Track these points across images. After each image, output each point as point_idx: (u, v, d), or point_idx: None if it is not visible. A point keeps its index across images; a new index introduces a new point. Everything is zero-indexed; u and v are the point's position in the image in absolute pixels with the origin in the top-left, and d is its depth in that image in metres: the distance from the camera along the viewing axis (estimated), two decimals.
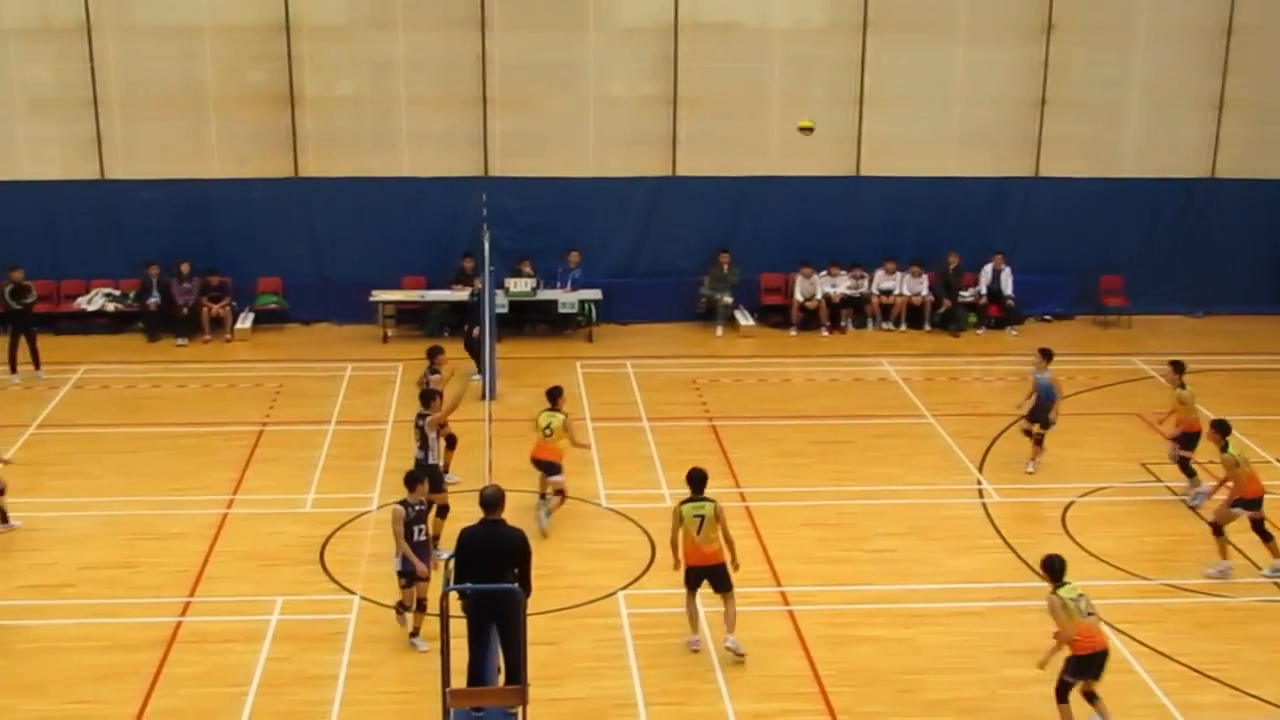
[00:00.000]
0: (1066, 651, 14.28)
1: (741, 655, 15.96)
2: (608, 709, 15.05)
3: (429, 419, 18.49)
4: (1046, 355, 21.63)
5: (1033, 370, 21.78)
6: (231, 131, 29.37)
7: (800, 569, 18.32)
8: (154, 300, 28.76)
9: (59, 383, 25.70)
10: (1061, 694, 14.37)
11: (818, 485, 21.24)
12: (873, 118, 29.87)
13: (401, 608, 16.26)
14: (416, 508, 15.92)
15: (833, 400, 25.40)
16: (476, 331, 25.52)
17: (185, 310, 28.70)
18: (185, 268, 28.85)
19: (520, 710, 13.12)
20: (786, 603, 17.47)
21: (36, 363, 25.98)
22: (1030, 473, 21.51)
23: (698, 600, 16.15)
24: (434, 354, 20.95)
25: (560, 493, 19.62)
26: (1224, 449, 18.41)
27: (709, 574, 16.02)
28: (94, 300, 29.19)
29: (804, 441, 23.14)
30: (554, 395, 20.10)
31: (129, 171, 29.32)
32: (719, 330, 29.38)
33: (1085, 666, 14.32)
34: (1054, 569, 14.47)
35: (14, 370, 25.72)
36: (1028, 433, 21.75)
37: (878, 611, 17.29)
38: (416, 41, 29.26)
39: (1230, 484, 18.37)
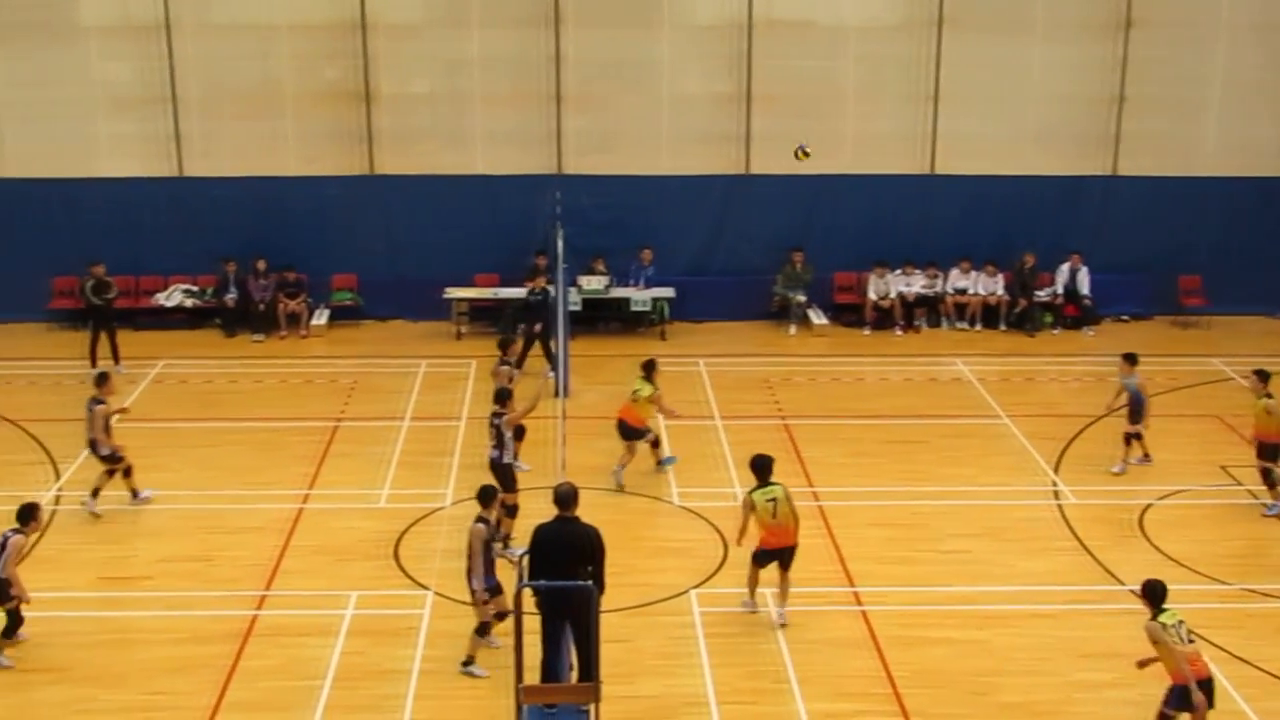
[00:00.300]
0: (1167, 680, 13.71)
1: (784, 624, 16.64)
2: (679, 707, 15.05)
3: (505, 418, 18.55)
4: (1131, 360, 21.41)
5: (1119, 375, 21.61)
6: (307, 129, 29.58)
7: (873, 569, 18.24)
8: (231, 296, 29.02)
9: (138, 377, 25.99)
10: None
11: (891, 485, 21.13)
12: (947, 116, 29.65)
13: (486, 628, 15.84)
14: (492, 523, 15.95)
15: (906, 400, 25.27)
16: (538, 328, 25.73)
17: (262, 306, 28.95)
18: (262, 264, 29.09)
19: (592, 707, 13.12)
20: (859, 603, 17.40)
21: (116, 358, 26.26)
22: (1117, 473, 21.29)
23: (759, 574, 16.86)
24: (505, 344, 21.11)
25: (654, 442, 21.17)
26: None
27: (781, 555, 16.63)
28: (172, 296, 29.49)
29: (877, 441, 23.03)
30: (649, 367, 21.45)
31: (206, 169, 29.59)
32: (792, 329, 29.29)
33: (1188, 698, 13.56)
34: (1155, 595, 13.81)
35: (94, 364, 25.97)
36: (1134, 436, 21.44)
37: (951, 613, 17.19)
38: (490, 39, 29.34)
39: None
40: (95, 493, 20.05)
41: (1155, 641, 13.64)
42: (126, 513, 20.05)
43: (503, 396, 18.98)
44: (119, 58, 29.66)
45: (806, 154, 24.39)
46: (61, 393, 25.20)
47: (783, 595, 16.75)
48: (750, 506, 16.66)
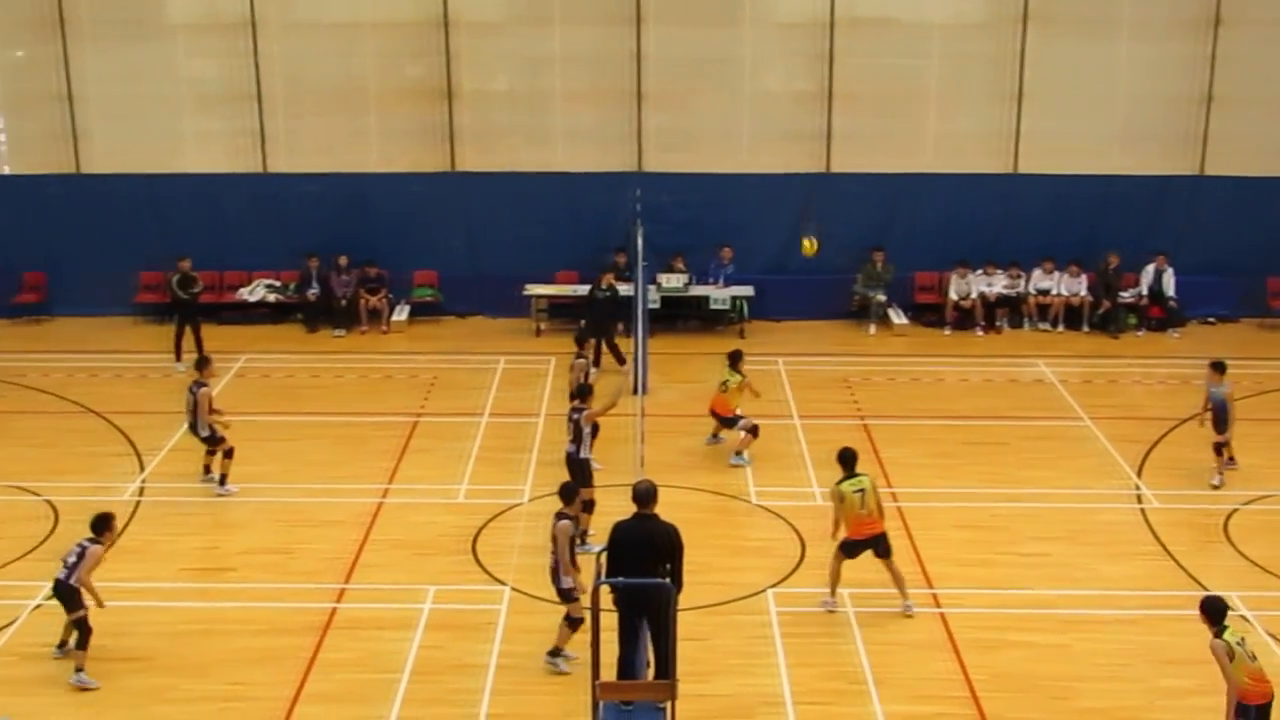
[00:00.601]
0: (1233, 699, 13.22)
1: (911, 614, 16.86)
2: (756, 706, 15.01)
3: (585, 414, 18.56)
4: (1219, 368, 21.03)
5: (1207, 383, 21.29)
6: (390, 126, 29.80)
7: (952, 571, 18.12)
8: (313, 292, 29.26)
9: (221, 371, 26.17)
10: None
11: (970, 486, 20.97)
12: (1031, 114, 29.39)
13: (577, 623, 15.59)
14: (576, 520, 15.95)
15: (986, 401, 25.07)
16: (620, 327, 26.04)
17: (343, 302, 29.16)
18: (343, 260, 29.31)
19: (669, 705, 13.12)
20: (937, 604, 17.29)
21: (199, 352, 26.50)
22: (1216, 485, 20.84)
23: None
24: (581, 339, 21.18)
25: (752, 430, 21.69)
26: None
27: (872, 544, 16.83)
28: (255, 291, 29.79)
29: (957, 442, 22.87)
30: (735, 358, 22.14)
31: (290, 165, 29.89)
32: (872, 328, 29.15)
33: (1254, 717, 13.09)
34: (1215, 612, 13.31)
35: (179, 358, 26.30)
36: (1222, 445, 20.98)
37: (1030, 616, 17.04)
38: (572, 37, 29.41)
39: None
40: (207, 470, 20.81)
41: (1219, 659, 13.15)
42: (210, 505, 20.29)
43: (583, 392, 18.97)
44: (206, 55, 30.04)
45: (813, 243, 24.08)
46: (147, 386, 25.55)
47: (900, 583, 16.93)
48: (839, 498, 16.80)
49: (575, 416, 18.61)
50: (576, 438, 18.55)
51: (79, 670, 15.42)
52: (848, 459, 17.12)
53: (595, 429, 20.25)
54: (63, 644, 15.93)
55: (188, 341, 26.38)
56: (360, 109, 29.74)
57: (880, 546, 16.87)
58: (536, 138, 30.03)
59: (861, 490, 16.76)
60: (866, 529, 16.79)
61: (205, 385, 20.62)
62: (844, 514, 16.83)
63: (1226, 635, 13.20)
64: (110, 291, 29.74)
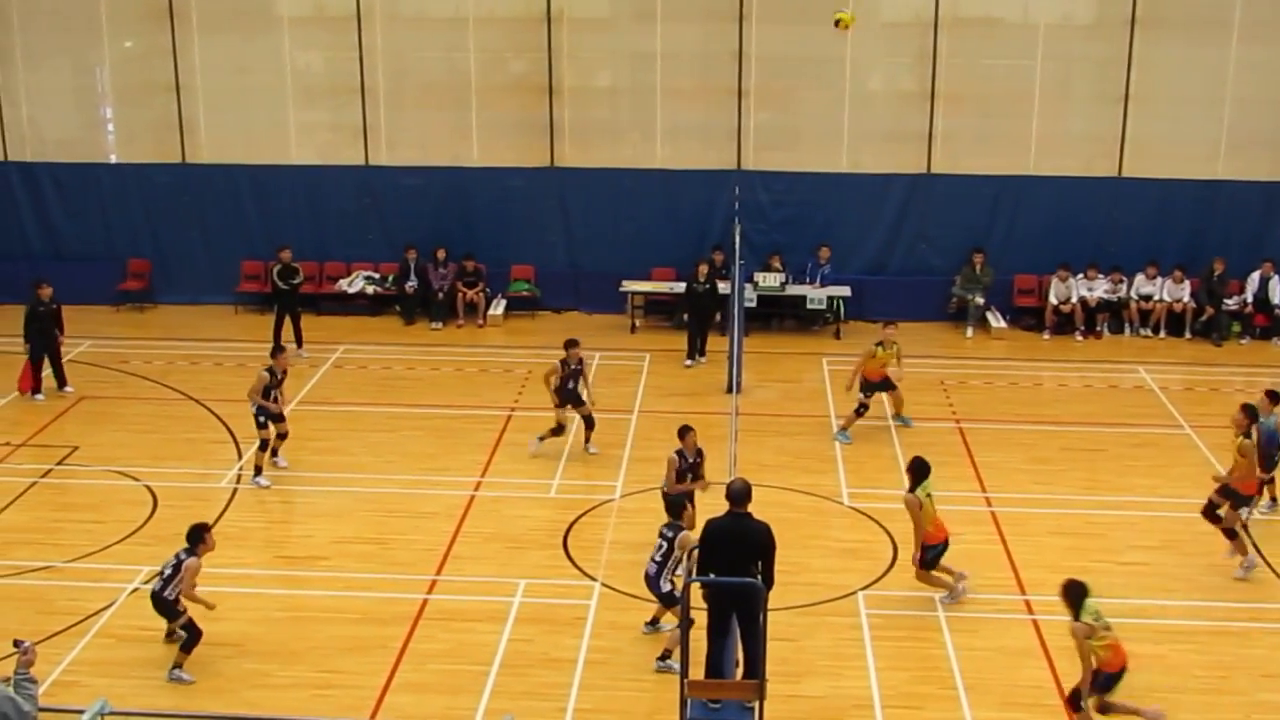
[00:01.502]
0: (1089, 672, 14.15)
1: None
2: (846, 709, 14.93)
3: (680, 536, 16.00)
4: (1274, 398, 19.05)
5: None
6: (491, 121, 29.96)
7: (1047, 578, 17.82)
8: (411, 284, 29.48)
9: (319, 361, 26.52)
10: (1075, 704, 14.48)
11: (1068, 493, 20.73)
12: (1138, 117, 28.97)
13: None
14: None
15: (1085, 407, 24.77)
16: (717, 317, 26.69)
17: (440, 295, 29.35)
18: (441, 253, 29.50)
19: (757, 705, 13.07)
20: (1031, 611, 17.11)
21: (299, 342, 26.82)
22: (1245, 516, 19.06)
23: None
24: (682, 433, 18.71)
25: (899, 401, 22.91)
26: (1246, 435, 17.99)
27: (945, 549, 17.16)
28: (354, 283, 30.06)
29: (1054, 448, 22.62)
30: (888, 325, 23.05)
31: (391, 158, 30.16)
32: (969, 331, 28.89)
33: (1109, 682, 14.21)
34: (1076, 596, 14.29)
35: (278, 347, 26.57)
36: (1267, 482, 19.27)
37: (1127, 626, 16.65)
38: (675, 34, 29.40)
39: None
40: (272, 454, 21.01)
41: (1082, 640, 14.09)
42: (306, 493, 20.51)
43: (674, 509, 16.56)
44: (311, 47, 30.41)
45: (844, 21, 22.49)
46: (246, 374, 25.70)
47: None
48: (918, 505, 16.85)
49: (669, 535, 16.12)
50: (663, 560, 16.04)
51: (177, 667, 15.47)
52: (919, 469, 17.08)
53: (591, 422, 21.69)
54: (171, 633, 15.98)
55: (286, 331, 26.66)
56: (462, 103, 29.91)
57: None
58: (637, 134, 30.05)
59: (930, 495, 16.99)
60: (943, 533, 17.09)
61: (268, 371, 20.89)
62: (927, 520, 16.88)
63: (1084, 616, 14.10)
64: (213, 280, 30.21)
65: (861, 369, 22.79)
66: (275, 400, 20.84)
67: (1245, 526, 18.24)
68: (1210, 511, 18.36)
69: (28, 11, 29.96)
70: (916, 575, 17.13)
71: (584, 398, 21.84)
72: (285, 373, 21.24)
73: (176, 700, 14.92)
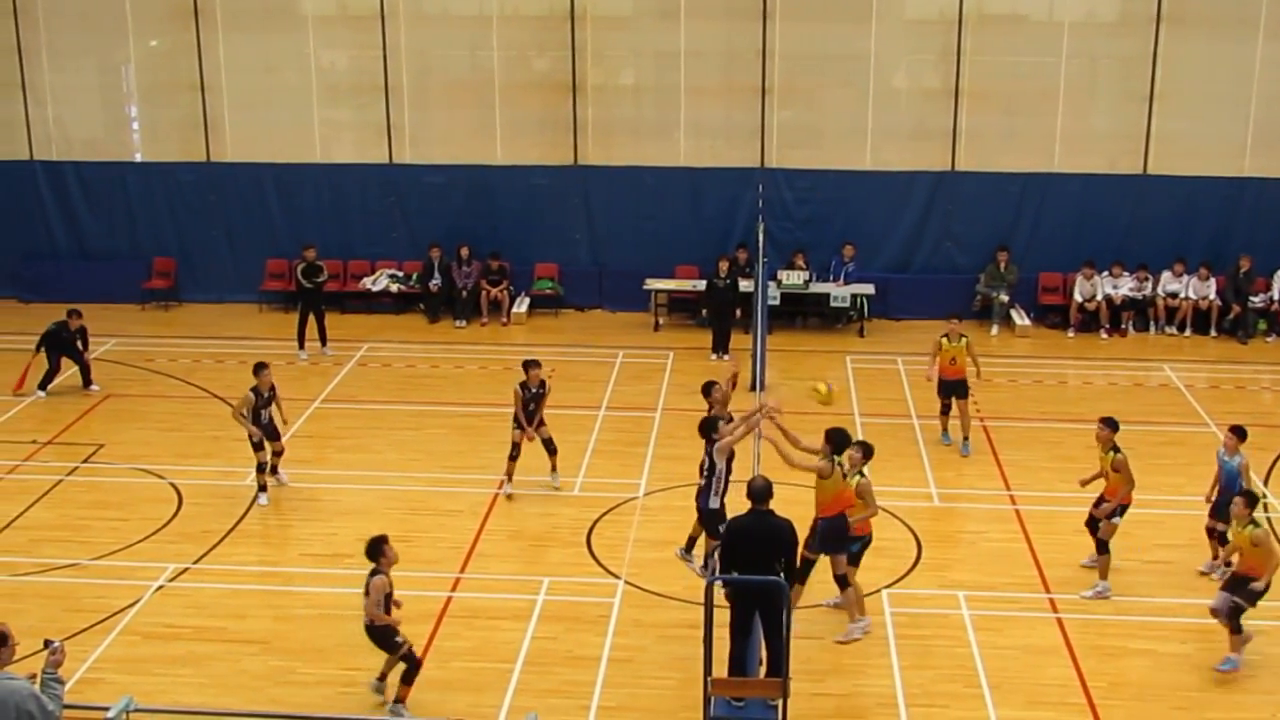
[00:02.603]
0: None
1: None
2: (870, 707, 14.90)
3: (717, 445, 16.83)
4: (1242, 435, 18.32)
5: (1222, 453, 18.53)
6: (515, 119, 29.99)
7: (1072, 576, 17.85)
8: (435, 282, 29.51)
9: (343, 359, 26.58)
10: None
11: (1093, 492, 20.57)
12: (1163, 114, 28.87)
13: None
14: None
15: (1110, 405, 24.54)
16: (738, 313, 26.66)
17: (465, 293, 29.39)
18: (465, 251, 29.53)
19: (781, 703, 13.07)
20: (1055, 610, 17.05)
21: (323, 340, 26.86)
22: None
23: None
24: (706, 389, 18.94)
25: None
26: (1114, 449, 17.51)
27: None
28: (378, 281, 30.11)
29: (1079, 446, 22.45)
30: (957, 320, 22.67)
31: (415, 156, 30.20)
32: (994, 329, 28.82)
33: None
34: (839, 444, 16.08)
35: (301, 347, 26.66)
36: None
37: (1153, 624, 16.74)
38: (698, 31, 29.39)
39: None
40: (271, 470, 20.49)
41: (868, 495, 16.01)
42: (330, 491, 20.54)
43: (709, 426, 16.95)
44: (336, 46, 30.49)
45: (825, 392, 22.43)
46: (272, 373, 25.87)
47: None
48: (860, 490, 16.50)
49: (709, 451, 16.76)
50: (709, 479, 16.77)
51: (399, 701, 14.70)
52: (837, 441, 16.53)
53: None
54: (382, 676, 15.09)
55: (310, 330, 26.70)
56: (486, 101, 29.96)
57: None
58: (660, 132, 30.06)
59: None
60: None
61: (257, 391, 20.07)
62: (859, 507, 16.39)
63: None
64: (238, 279, 30.33)
65: (935, 364, 22.34)
66: (270, 420, 20.21)
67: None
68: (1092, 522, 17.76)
69: (53, 11, 30.09)
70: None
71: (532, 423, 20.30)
72: (274, 389, 20.41)
73: (203, 697, 14.97)
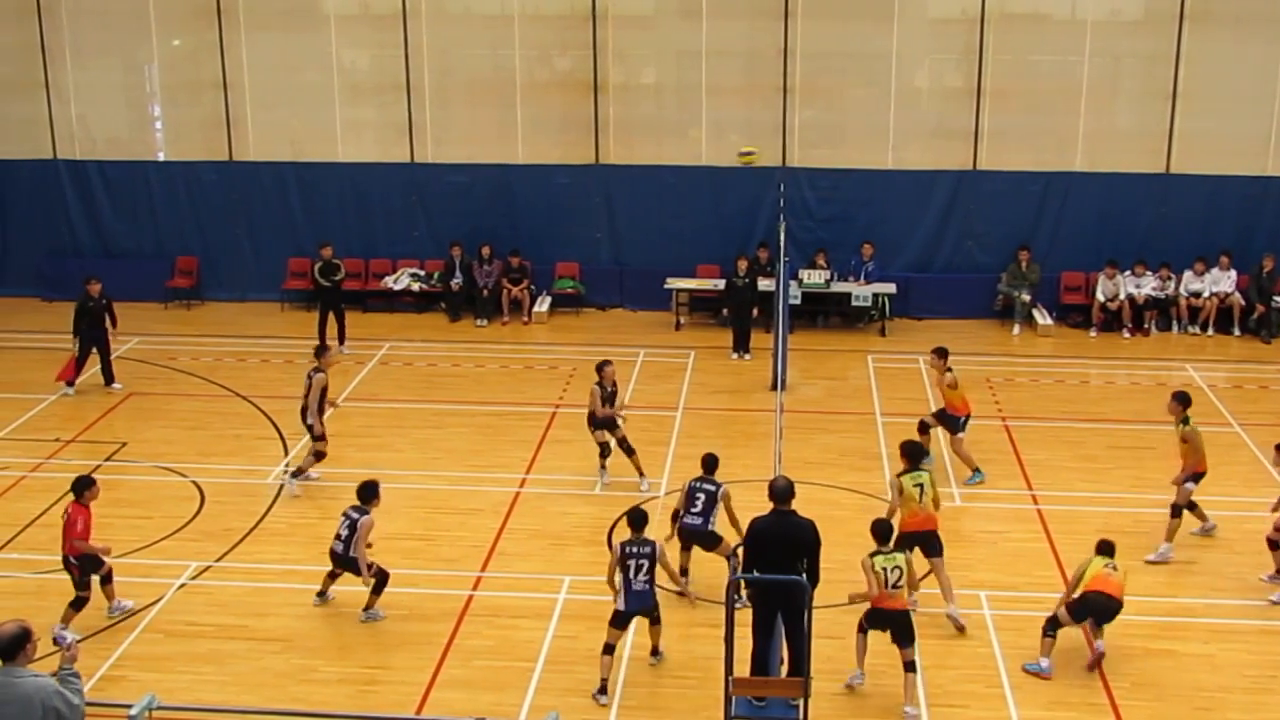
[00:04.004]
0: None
1: (962, 626, 16.37)
2: (892, 707, 14.87)
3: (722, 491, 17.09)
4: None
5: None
6: (536, 118, 30.02)
7: None
8: (456, 281, 29.55)
9: (365, 358, 26.63)
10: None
11: (1115, 491, 20.60)
12: (1186, 113, 28.77)
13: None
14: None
15: (1133, 404, 24.61)
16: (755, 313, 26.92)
17: (486, 292, 29.41)
18: (487, 250, 29.56)
19: (802, 702, 13.06)
20: None
21: (341, 338, 26.91)
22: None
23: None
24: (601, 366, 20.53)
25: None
26: (1184, 421, 18.41)
27: (924, 539, 16.62)
28: (400, 280, 30.16)
29: (1102, 446, 22.49)
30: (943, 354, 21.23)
31: (437, 155, 30.25)
32: (1016, 328, 28.76)
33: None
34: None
35: (322, 343, 26.72)
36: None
37: (1175, 625, 16.69)
38: (720, 30, 29.38)
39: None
40: (297, 473, 20.57)
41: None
42: (351, 490, 20.45)
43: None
44: (358, 45, 30.56)
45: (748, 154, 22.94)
46: (293, 371, 25.96)
47: (947, 588, 16.53)
48: (899, 490, 16.71)
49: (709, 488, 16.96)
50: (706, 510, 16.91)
51: (369, 608, 16.59)
52: (911, 452, 17.09)
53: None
54: (323, 593, 16.95)
55: (331, 328, 26.76)
56: (508, 101, 30.00)
57: (932, 545, 16.63)
58: (682, 131, 30.07)
59: (920, 485, 16.66)
60: (919, 523, 16.59)
61: (322, 372, 20.46)
62: (902, 507, 16.69)
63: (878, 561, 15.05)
64: (260, 277, 30.44)
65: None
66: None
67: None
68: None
69: (77, 10, 30.23)
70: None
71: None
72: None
73: (225, 695, 15.01)
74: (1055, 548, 18.61)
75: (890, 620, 14.97)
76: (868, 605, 15.23)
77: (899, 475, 16.88)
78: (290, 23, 30.12)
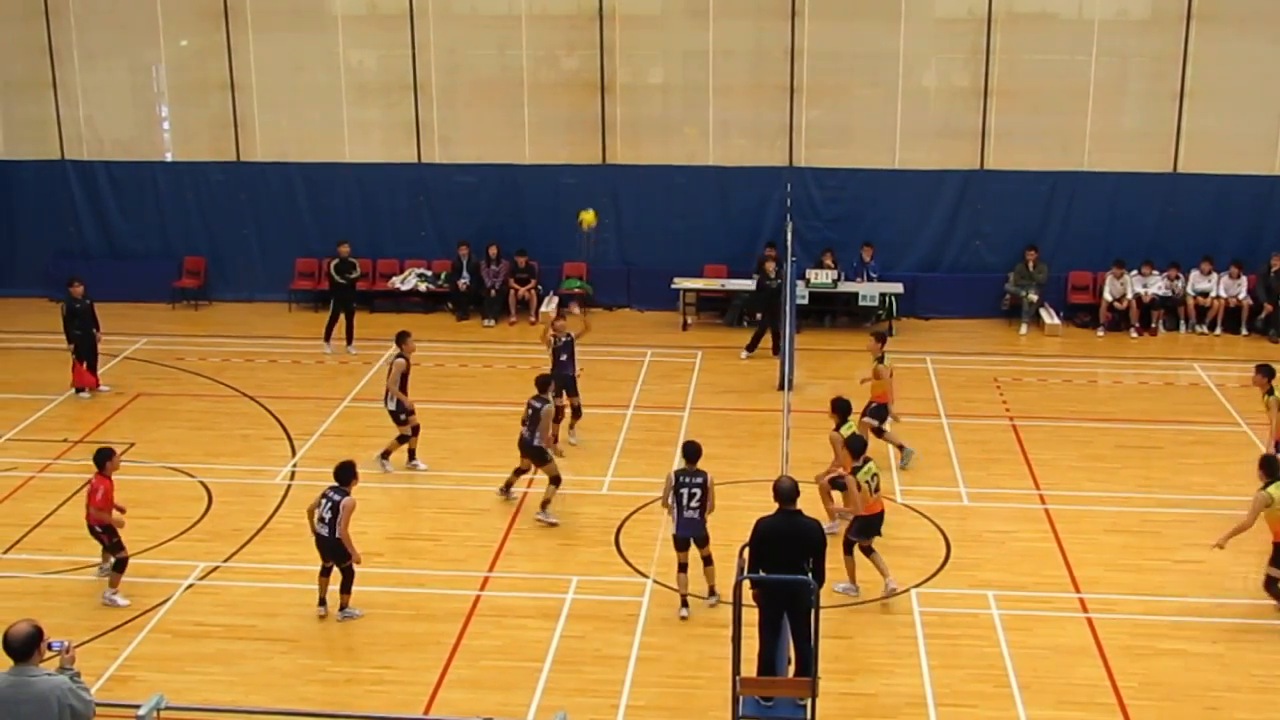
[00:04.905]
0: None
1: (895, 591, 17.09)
2: (900, 706, 14.87)
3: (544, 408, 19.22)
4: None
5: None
6: (543, 118, 30.03)
7: (1101, 576, 17.79)
8: (464, 281, 29.56)
9: (372, 359, 26.63)
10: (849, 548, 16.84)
11: (1123, 491, 20.58)
12: (1194, 112, 28.74)
13: None
14: None
15: (1141, 404, 24.59)
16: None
17: (493, 292, 29.43)
18: (494, 250, 29.58)
19: (809, 702, 13.05)
20: (1085, 610, 16.98)
21: (349, 338, 26.96)
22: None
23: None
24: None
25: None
26: (1270, 392, 19.47)
27: (878, 521, 17.28)
28: (407, 280, 30.18)
29: (1109, 445, 22.47)
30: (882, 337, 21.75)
31: (444, 155, 30.28)
32: (1023, 328, 28.74)
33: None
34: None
35: (327, 340, 26.84)
36: None
37: (1183, 624, 16.67)
38: (727, 30, 29.37)
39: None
40: (411, 455, 21.22)
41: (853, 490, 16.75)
42: (359, 490, 20.41)
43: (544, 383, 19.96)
44: (365, 46, 30.59)
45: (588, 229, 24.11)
46: (300, 371, 26.05)
47: (882, 565, 17.27)
48: (857, 486, 16.98)
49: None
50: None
51: (345, 608, 16.60)
52: (859, 448, 17.34)
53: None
54: (323, 601, 16.73)
55: (339, 327, 26.80)
56: (515, 101, 30.00)
57: (879, 525, 17.34)
58: (689, 131, 30.05)
59: (875, 475, 17.14)
60: (872, 509, 17.11)
61: (404, 358, 21.05)
62: (861, 501, 17.00)
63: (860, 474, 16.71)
64: (267, 278, 30.47)
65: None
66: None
67: None
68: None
69: (84, 11, 30.27)
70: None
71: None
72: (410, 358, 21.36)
73: (233, 695, 15.03)
74: (1063, 547, 18.59)
75: (878, 522, 17.12)
76: (850, 520, 16.98)
77: (853, 473, 17.11)
78: (297, 23, 30.15)
